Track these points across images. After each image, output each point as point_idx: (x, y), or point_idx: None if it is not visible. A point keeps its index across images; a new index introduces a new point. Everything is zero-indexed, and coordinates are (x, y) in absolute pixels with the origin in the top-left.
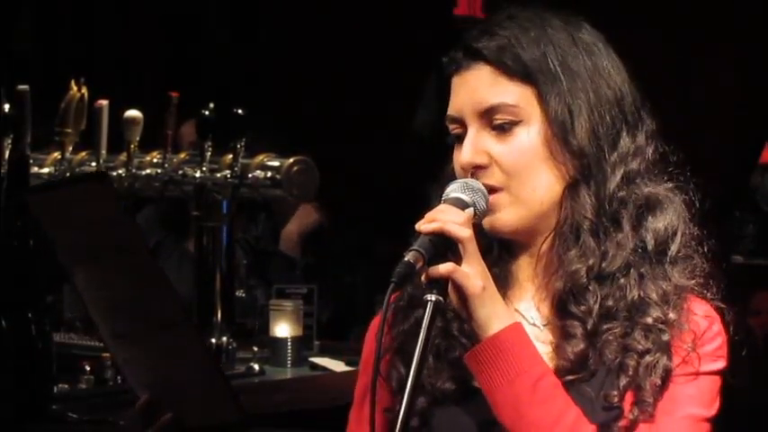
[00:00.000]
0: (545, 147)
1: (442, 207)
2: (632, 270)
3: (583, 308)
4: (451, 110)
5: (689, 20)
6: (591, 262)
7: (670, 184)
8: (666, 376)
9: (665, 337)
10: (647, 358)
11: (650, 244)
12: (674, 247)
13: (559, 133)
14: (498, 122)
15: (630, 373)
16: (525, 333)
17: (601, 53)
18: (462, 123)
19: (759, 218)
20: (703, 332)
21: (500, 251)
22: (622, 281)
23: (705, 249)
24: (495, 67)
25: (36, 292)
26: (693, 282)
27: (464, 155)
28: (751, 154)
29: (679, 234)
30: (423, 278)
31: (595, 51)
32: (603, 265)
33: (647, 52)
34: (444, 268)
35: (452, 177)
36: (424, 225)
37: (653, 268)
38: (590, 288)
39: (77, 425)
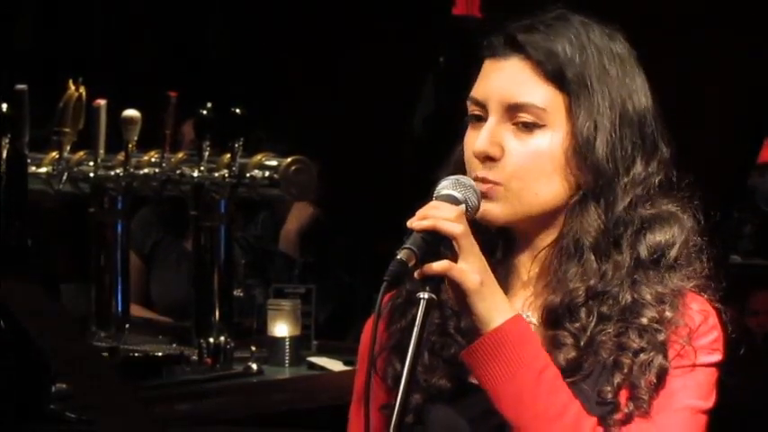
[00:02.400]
0: (562, 156)
1: (433, 203)
2: (625, 278)
3: (577, 325)
4: (478, 93)
5: (689, 20)
6: (591, 282)
7: (671, 206)
8: (662, 374)
9: (661, 337)
10: (642, 357)
11: (643, 254)
12: (672, 254)
13: (581, 147)
14: (521, 120)
15: (625, 371)
16: (527, 324)
17: (633, 70)
18: (484, 108)
19: (757, 218)
20: (698, 326)
21: (498, 253)
22: (616, 290)
23: (706, 256)
24: (534, 65)
25: None
26: (692, 284)
27: (479, 142)
28: (749, 154)
29: (679, 243)
30: (416, 276)
31: (628, 68)
32: (601, 285)
33: (647, 52)
34: (439, 266)
35: (459, 160)
36: (415, 223)
37: (646, 274)
38: (585, 307)
39: (75, 424)
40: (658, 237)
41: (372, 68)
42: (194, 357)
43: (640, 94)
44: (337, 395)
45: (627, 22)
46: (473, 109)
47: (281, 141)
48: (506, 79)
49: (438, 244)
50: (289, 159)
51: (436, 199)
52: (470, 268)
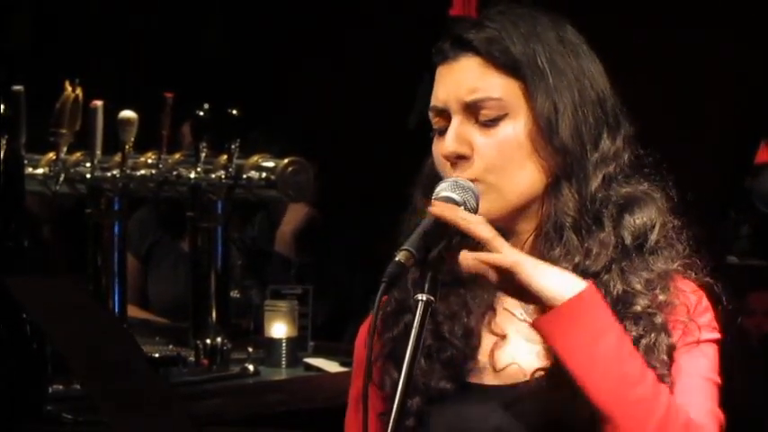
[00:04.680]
0: (529, 142)
1: (449, 205)
2: (614, 266)
3: None
4: (436, 100)
5: (688, 20)
6: (576, 260)
7: (646, 185)
8: (671, 351)
9: (659, 319)
10: (644, 342)
11: (627, 239)
12: (652, 238)
13: (544, 129)
14: (483, 117)
15: None
16: (598, 292)
17: (585, 55)
18: (446, 115)
19: (754, 218)
20: (695, 305)
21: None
22: (605, 277)
23: (687, 237)
24: (484, 58)
25: None
26: (677, 264)
27: (447, 144)
28: (747, 154)
29: (658, 225)
30: (464, 269)
31: (580, 53)
32: (588, 263)
33: (645, 52)
34: (492, 258)
35: (431, 172)
36: (446, 212)
37: (632, 261)
38: None
39: (72, 426)
40: (638, 219)
41: (371, 68)
42: (191, 358)
43: (596, 76)
44: (334, 396)
45: (626, 22)
46: (435, 121)
47: (277, 142)
48: (459, 78)
49: (436, 243)
50: (285, 160)
51: (435, 200)
52: (514, 253)
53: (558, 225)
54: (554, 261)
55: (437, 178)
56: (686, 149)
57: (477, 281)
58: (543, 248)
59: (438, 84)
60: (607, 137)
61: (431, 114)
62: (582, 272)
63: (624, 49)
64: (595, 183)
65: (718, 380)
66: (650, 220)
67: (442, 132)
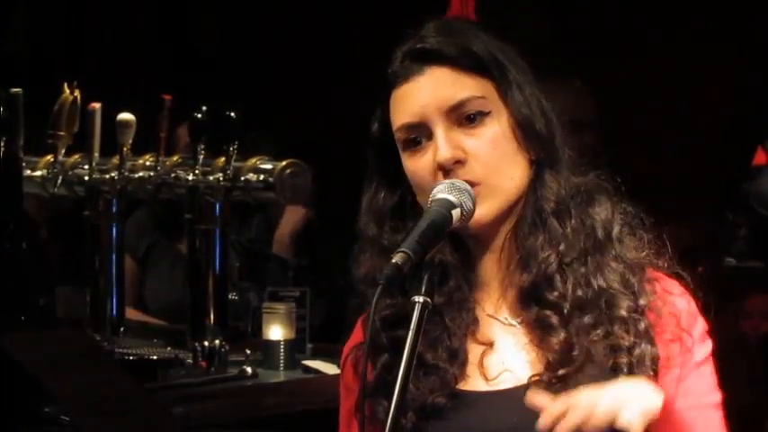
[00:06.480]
0: (513, 136)
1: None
2: (589, 258)
3: (556, 293)
4: (409, 117)
5: (688, 21)
6: (562, 247)
7: (594, 176)
8: (655, 363)
9: (642, 325)
10: (637, 351)
11: (599, 232)
12: (615, 228)
13: (524, 121)
14: (468, 119)
15: (626, 370)
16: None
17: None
18: (424, 129)
19: (752, 220)
20: (685, 314)
21: (461, 253)
22: (583, 270)
23: (643, 221)
24: (453, 65)
25: (28, 294)
26: (644, 254)
27: (442, 152)
28: (744, 157)
29: (617, 214)
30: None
31: (510, 48)
32: (568, 249)
33: (645, 53)
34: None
35: (381, 204)
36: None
37: (604, 254)
38: (559, 273)
39: (70, 428)
40: (600, 208)
41: (369, 70)
42: (189, 360)
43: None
44: (332, 398)
45: (626, 23)
46: (408, 135)
47: (274, 144)
48: (434, 88)
49: (433, 245)
50: (283, 162)
51: (431, 203)
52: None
53: (539, 211)
54: (539, 249)
55: (394, 208)
56: (685, 152)
57: (455, 303)
58: (523, 237)
59: (407, 101)
60: (559, 123)
61: (399, 134)
62: (560, 260)
63: (625, 51)
64: (565, 168)
65: (720, 397)
66: (608, 209)
67: (418, 143)
